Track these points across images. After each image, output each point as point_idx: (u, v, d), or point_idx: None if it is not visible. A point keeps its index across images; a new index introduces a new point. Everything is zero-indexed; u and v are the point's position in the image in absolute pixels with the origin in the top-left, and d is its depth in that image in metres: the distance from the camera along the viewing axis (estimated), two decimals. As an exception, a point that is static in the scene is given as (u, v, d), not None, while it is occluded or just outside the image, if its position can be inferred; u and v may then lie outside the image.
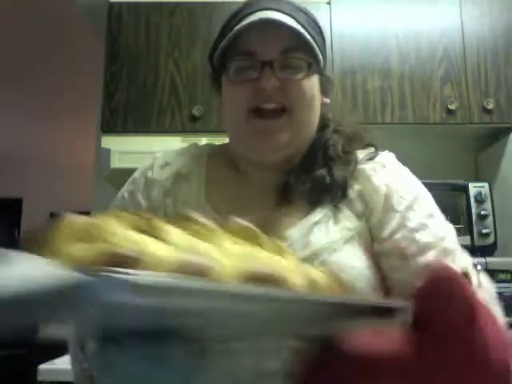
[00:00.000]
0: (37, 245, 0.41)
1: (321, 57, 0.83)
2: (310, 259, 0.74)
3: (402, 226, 0.79)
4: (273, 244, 0.58)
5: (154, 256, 0.43)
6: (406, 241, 0.78)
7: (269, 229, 0.78)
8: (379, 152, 0.87)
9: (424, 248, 0.77)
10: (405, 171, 0.87)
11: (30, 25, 3.50)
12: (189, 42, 2.20)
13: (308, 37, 0.80)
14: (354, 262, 0.77)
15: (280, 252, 0.57)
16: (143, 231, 0.47)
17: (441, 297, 0.58)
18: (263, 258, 0.54)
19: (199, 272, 0.44)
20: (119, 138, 2.12)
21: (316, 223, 0.79)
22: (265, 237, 0.58)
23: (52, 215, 7.06)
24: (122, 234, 0.44)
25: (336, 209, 0.80)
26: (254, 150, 0.83)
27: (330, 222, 0.79)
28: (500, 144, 2.23)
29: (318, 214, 0.80)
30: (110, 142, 2.11)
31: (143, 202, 0.86)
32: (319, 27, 0.86)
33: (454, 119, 2.12)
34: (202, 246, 0.50)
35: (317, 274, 0.57)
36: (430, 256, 0.76)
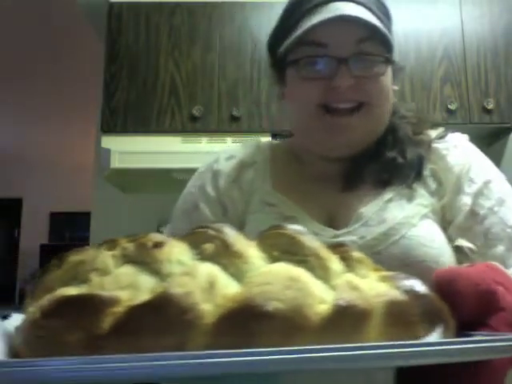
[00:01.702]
0: (38, 285, 0.41)
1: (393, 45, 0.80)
2: (387, 235, 0.73)
3: (471, 212, 0.76)
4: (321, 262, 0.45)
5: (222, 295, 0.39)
6: (473, 231, 0.75)
7: (340, 209, 0.79)
8: (449, 132, 0.85)
9: (492, 240, 0.74)
10: (477, 153, 0.84)
11: (30, 25, 3.50)
12: (189, 42, 2.20)
13: (384, 29, 0.77)
14: (434, 236, 0.74)
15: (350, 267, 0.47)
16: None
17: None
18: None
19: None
20: (119, 138, 2.12)
21: (390, 200, 0.78)
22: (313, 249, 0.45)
23: (52, 215, 7.06)
24: (114, 273, 0.41)
25: (409, 188, 0.78)
26: (325, 146, 0.81)
27: (404, 200, 0.77)
28: (500, 144, 2.23)
29: (390, 193, 0.78)
30: (110, 142, 2.11)
31: (212, 192, 0.86)
32: (387, 9, 0.83)
33: (454, 119, 2.12)
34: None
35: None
36: (498, 250, 0.73)
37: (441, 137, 0.84)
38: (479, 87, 2.16)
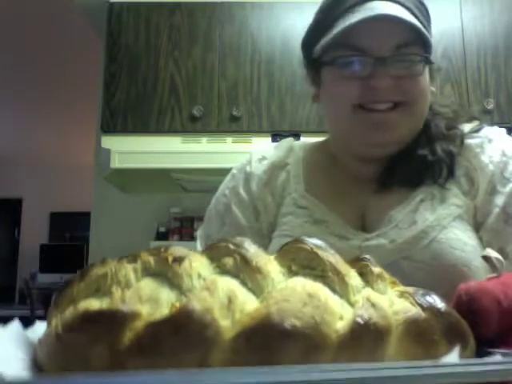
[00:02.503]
0: (61, 297, 0.42)
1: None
2: (418, 238, 0.72)
3: (503, 213, 0.73)
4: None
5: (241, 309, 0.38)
6: (505, 233, 0.73)
7: (372, 212, 0.78)
8: (485, 125, 0.82)
9: None
10: None
11: (30, 24, 3.51)
12: (189, 42, 2.20)
13: (424, 31, 0.74)
14: (466, 238, 0.72)
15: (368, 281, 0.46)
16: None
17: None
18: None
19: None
20: (119, 138, 2.12)
21: (421, 201, 0.76)
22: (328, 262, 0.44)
23: (52, 215, 7.06)
24: (135, 285, 0.40)
25: (441, 188, 0.76)
26: (364, 144, 0.79)
27: (436, 201, 0.75)
28: (500, 144, 2.23)
29: (422, 193, 0.77)
30: (110, 142, 2.11)
31: (245, 195, 0.85)
32: (425, 8, 0.80)
33: (454, 119, 2.12)
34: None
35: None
36: None
37: (474, 131, 0.81)
38: (479, 87, 2.16)
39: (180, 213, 2.44)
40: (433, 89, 0.84)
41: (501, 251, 0.72)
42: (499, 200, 0.74)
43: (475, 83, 2.16)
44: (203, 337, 0.36)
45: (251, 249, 0.43)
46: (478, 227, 0.76)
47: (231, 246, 0.43)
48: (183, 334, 0.36)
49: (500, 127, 2.21)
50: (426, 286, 0.62)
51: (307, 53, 0.84)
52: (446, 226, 0.73)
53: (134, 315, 0.37)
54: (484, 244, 0.74)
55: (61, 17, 3.31)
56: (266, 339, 0.37)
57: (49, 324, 0.41)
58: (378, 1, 0.75)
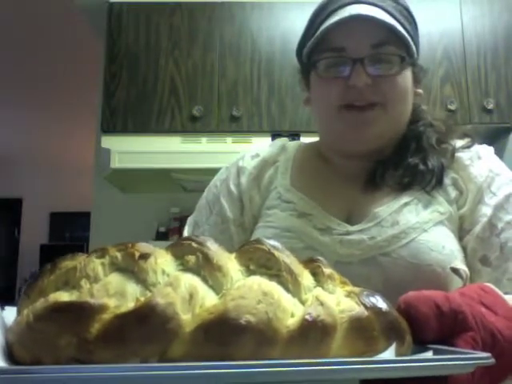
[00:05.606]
0: (32, 288, 0.44)
1: (414, 47, 0.81)
2: (398, 237, 0.75)
3: (489, 223, 0.76)
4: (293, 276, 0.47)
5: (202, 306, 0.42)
6: (490, 242, 0.76)
7: (358, 208, 0.80)
8: (476, 143, 0.86)
9: (508, 254, 0.75)
10: (501, 167, 0.84)
11: (30, 24, 3.51)
12: (189, 42, 2.20)
13: (400, 29, 0.78)
14: (445, 242, 0.75)
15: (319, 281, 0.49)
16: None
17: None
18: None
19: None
20: (119, 138, 2.12)
21: (406, 204, 0.79)
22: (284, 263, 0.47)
23: (52, 215, 7.07)
24: (102, 281, 0.43)
25: (427, 194, 0.79)
26: (345, 142, 0.83)
27: (420, 205, 0.79)
28: (500, 144, 2.23)
29: (408, 197, 0.80)
30: (110, 142, 2.11)
31: (234, 189, 0.89)
32: (410, 14, 0.84)
33: (454, 119, 2.12)
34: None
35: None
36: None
37: (466, 147, 0.84)
38: (479, 87, 2.16)
39: (180, 213, 2.44)
40: (419, 91, 0.87)
41: (485, 258, 0.76)
42: (486, 210, 0.77)
43: (475, 83, 2.16)
44: (165, 329, 0.39)
45: (213, 247, 0.46)
46: (463, 235, 0.78)
47: (194, 245, 0.46)
48: (147, 326, 0.39)
49: (500, 127, 2.22)
50: (403, 282, 0.63)
51: (299, 58, 0.89)
52: (427, 229, 0.75)
53: (102, 308, 0.40)
54: (469, 250, 0.77)
55: (61, 17, 3.31)
56: (223, 333, 0.40)
57: (19, 313, 0.43)
58: (357, 4, 0.79)
